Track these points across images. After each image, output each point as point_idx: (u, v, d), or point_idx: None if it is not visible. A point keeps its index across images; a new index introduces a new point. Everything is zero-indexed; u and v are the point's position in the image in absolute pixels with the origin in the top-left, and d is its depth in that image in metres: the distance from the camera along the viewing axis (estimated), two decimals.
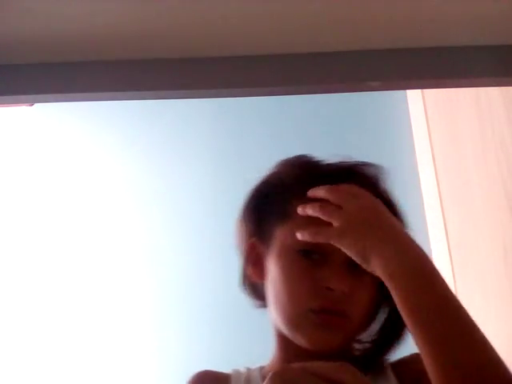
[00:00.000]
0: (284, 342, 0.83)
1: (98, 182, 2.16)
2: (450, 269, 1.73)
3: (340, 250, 0.77)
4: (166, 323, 1.96)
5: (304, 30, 0.86)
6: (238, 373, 0.86)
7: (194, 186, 2.03)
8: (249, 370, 0.87)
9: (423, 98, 1.88)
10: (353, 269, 0.78)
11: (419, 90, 1.85)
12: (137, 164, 2.15)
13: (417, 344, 0.71)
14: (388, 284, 0.72)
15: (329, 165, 0.90)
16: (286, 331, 0.81)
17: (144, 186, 2.11)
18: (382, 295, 0.81)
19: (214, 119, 2.08)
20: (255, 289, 0.88)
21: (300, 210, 0.79)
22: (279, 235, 0.83)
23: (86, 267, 2.08)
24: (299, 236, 0.79)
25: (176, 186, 2.07)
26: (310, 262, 0.80)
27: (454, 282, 1.71)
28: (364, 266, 0.75)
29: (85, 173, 2.18)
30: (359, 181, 0.85)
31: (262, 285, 0.86)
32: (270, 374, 0.56)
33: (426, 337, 0.69)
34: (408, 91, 1.92)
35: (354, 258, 0.74)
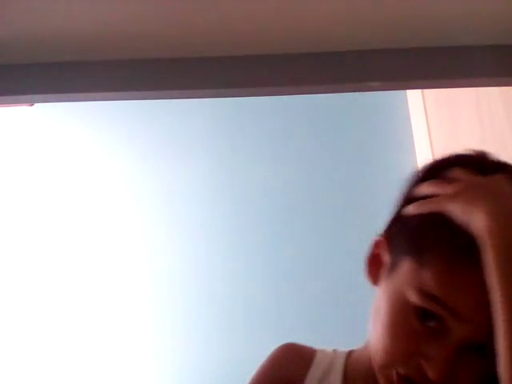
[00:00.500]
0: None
1: (97, 181, 2.16)
2: None
3: (462, 329, 0.67)
4: (164, 322, 1.96)
5: (304, 30, 0.86)
6: (323, 353, 0.82)
7: (193, 186, 2.03)
8: (335, 352, 0.82)
9: (423, 97, 1.88)
10: (468, 353, 0.68)
11: (419, 90, 1.85)
12: (136, 164, 2.15)
13: (499, 315, 0.63)
14: (484, 241, 0.64)
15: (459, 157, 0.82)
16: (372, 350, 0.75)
17: (144, 186, 2.11)
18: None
19: (214, 119, 2.08)
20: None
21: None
22: (402, 269, 0.72)
23: (86, 266, 2.08)
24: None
25: (176, 186, 2.07)
26: (422, 328, 0.69)
27: None
28: (466, 224, 0.66)
29: (84, 173, 2.18)
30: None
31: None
32: None
33: None
34: (408, 91, 1.92)
35: (460, 218, 0.66)
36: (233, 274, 1.85)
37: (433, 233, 0.70)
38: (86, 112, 2.18)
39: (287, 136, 1.94)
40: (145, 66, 0.88)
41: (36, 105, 2.11)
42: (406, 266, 0.71)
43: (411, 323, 0.69)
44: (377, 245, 0.79)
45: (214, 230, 1.90)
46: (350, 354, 0.82)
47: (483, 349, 0.67)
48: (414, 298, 0.69)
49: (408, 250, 0.72)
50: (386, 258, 0.76)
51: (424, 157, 1.89)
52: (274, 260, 1.85)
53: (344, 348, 0.84)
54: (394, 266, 0.74)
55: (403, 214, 0.79)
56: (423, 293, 0.68)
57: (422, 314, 0.69)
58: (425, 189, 0.75)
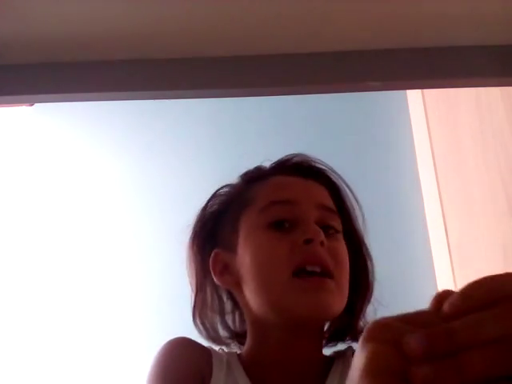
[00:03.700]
0: (263, 332, 0.79)
1: (97, 181, 2.16)
2: (449, 269, 1.74)
3: (310, 211, 0.79)
4: (164, 323, 1.96)
5: (304, 30, 0.86)
6: (217, 351, 0.83)
7: (193, 187, 2.03)
8: (224, 352, 0.84)
9: (423, 97, 1.88)
10: (324, 230, 0.79)
11: (419, 90, 1.85)
12: (136, 164, 2.15)
13: None
14: None
15: (274, 162, 0.93)
16: (273, 310, 0.77)
17: (143, 186, 2.11)
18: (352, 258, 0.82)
19: (214, 119, 2.08)
20: (211, 321, 0.87)
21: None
22: (243, 223, 0.82)
23: (84, 266, 2.08)
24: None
25: (176, 186, 2.07)
26: (282, 231, 0.79)
27: (454, 281, 1.71)
28: None
29: (84, 173, 2.19)
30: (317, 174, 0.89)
31: (222, 314, 0.86)
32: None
33: None
34: (408, 91, 1.92)
35: None
36: None
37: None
38: (85, 112, 2.18)
39: (287, 136, 1.94)
40: (145, 66, 0.88)
41: (36, 105, 2.11)
42: (244, 220, 0.82)
43: (274, 235, 0.78)
44: (215, 257, 0.86)
45: None
46: (239, 354, 0.83)
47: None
48: (263, 220, 0.79)
49: (238, 214, 0.83)
50: (225, 252, 0.84)
51: (424, 157, 1.90)
52: None
53: None
54: (236, 240, 0.82)
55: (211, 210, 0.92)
56: (266, 207, 0.80)
57: (276, 225, 0.79)
58: None
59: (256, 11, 0.81)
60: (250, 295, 0.79)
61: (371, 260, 0.89)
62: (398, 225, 1.92)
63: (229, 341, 0.86)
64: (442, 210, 1.79)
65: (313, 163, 0.92)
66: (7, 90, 0.88)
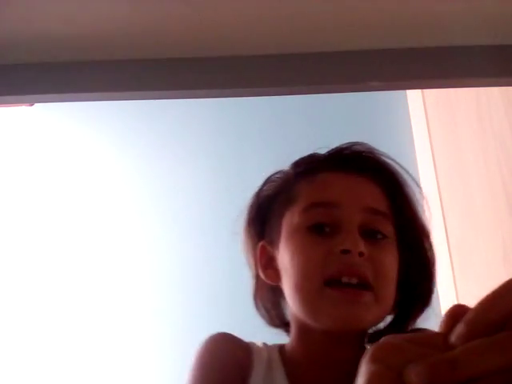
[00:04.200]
0: (304, 331, 0.77)
1: (97, 181, 2.16)
2: (450, 269, 1.73)
3: (353, 216, 0.75)
4: (164, 323, 1.96)
5: (304, 30, 0.86)
6: (257, 347, 0.81)
7: (194, 187, 2.03)
8: (267, 346, 0.82)
9: (423, 98, 1.88)
10: (369, 235, 0.75)
11: (419, 90, 1.85)
12: (137, 164, 2.15)
13: None
14: None
15: (332, 149, 0.87)
16: (305, 316, 0.75)
17: (143, 186, 2.11)
18: (405, 266, 0.77)
19: (214, 119, 2.08)
20: (268, 307, 0.84)
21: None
22: (286, 221, 0.79)
23: (85, 266, 2.08)
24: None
25: (175, 186, 2.07)
26: (322, 235, 0.75)
27: (454, 281, 1.71)
28: None
29: (84, 173, 2.19)
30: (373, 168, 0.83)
31: (277, 302, 0.83)
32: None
33: None
34: (408, 91, 1.92)
35: None
36: (234, 274, 1.85)
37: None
38: (86, 112, 2.18)
39: (287, 136, 1.94)
40: (145, 65, 0.88)
41: (36, 105, 2.11)
42: (286, 218, 0.79)
43: (312, 239, 0.75)
44: (262, 250, 0.84)
45: (215, 229, 1.90)
46: (281, 348, 0.81)
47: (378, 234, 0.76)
48: (304, 222, 0.76)
49: (282, 210, 0.80)
50: (272, 247, 0.81)
51: (424, 157, 1.90)
52: None
53: None
54: (279, 236, 0.79)
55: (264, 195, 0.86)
56: (307, 208, 0.77)
57: (316, 229, 0.75)
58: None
59: (256, 11, 0.81)
60: (288, 296, 0.78)
61: (433, 263, 0.85)
62: None
63: (282, 328, 0.84)
64: (442, 210, 1.79)
65: (371, 156, 0.86)
66: (7, 90, 0.88)
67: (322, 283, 0.72)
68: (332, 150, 0.87)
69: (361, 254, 0.72)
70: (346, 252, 0.72)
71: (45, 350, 2.02)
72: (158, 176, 2.11)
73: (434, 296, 0.82)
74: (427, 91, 1.84)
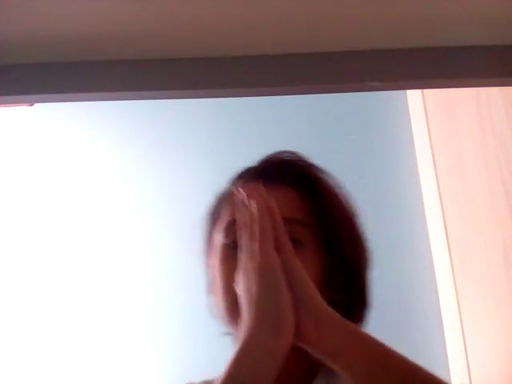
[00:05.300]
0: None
1: (97, 181, 2.16)
2: (450, 269, 1.74)
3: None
4: (163, 325, 1.96)
5: (304, 30, 0.86)
6: None
7: (193, 187, 2.03)
8: (206, 382, 0.85)
9: (423, 98, 1.88)
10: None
11: (419, 90, 1.85)
12: (137, 164, 2.15)
13: None
14: None
15: (261, 161, 0.90)
16: (228, 324, 0.79)
17: (143, 186, 2.11)
18: (330, 269, 0.79)
19: (214, 119, 2.08)
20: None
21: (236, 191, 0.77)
22: (213, 237, 0.85)
23: (85, 266, 2.08)
24: None
25: (175, 186, 2.07)
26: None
27: (454, 281, 1.71)
28: None
29: (84, 173, 2.18)
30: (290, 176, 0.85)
31: None
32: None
33: None
34: (408, 91, 1.92)
35: None
36: None
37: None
38: (86, 112, 2.18)
39: (287, 136, 1.94)
40: (145, 66, 0.88)
41: (36, 105, 2.11)
42: (214, 235, 0.84)
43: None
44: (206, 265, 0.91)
45: None
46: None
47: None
48: (223, 240, 0.80)
49: (212, 227, 0.87)
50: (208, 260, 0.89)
51: (424, 157, 1.90)
52: None
53: None
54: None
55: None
56: (226, 226, 0.80)
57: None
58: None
59: (256, 11, 0.81)
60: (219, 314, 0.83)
61: (359, 264, 0.85)
62: (398, 224, 1.92)
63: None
64: (442, 210, 1.79)
65: (290, 163, 0.88)
66: (7, 90, 0.88)
67: (234, 300, 0.73)
68: (253, 166, 0.91)
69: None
70: None
71: (44, 350, 2.02)
72: (157, 176, 2.11)
73: (368, 296, 0.84)
74: (427, 91, 1.84)
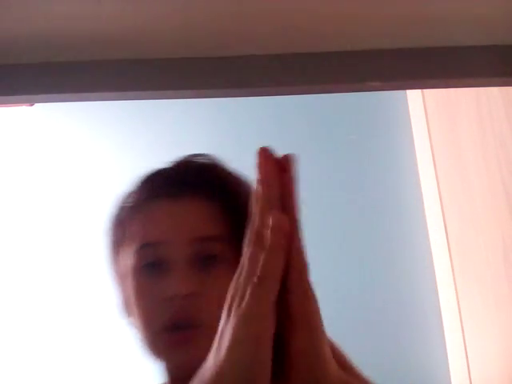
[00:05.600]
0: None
1: (97, 181, 2.16)
2: (450, 269, 1.74)
3: (180, 252, 0.71)
4: None
5: (304, 30, 0.86)
6: None
7: None
8: None
9: (423, 97, 1.88)
10: (201, 266, 0.71)
11: (419, 90, 1.85)
12: (136, 164, 2.14)
13: None
14: None
15: (174, 165, 0.84)
16: (151, 356, 0.74)
17: None
18: None
19: (214, 119, 2.08)
20: None
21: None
22: (121, 259, 0.77)
23: (84, 266, 2.08)
24: None
25: None
26: (154, 277, 0.72)
27: (454, 281, 1.71)
28: None
29: (84, 173, 2.18)
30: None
31: None
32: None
33: None
34: (408, 91, 1.92)
35: None
36: None
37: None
38: (86, 112, 2.18)
39: (286, 136, 1.94)
40: (145, 66, 0.88)
41: (36, 105, 2.11)
42: (121, 256, 0.76)
43: (145, 281, 0.72)
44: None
45: None
46: None
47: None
48: (136, 262, 0.72)
49: (117, 247, 0.79)
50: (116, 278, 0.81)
51: (424, 157, 1.90)
52: None
53: None
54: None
55: None
56: (137, 250, 0.73)
57: (148, 268, 0.72)
58: None
59: (255, 11, 0.81)
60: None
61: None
62: (398, 224, 1.92)
63: None
64: (442, 210, 1.79)
65: (202, 169, 0.82)
66: (7, 90, 0.88)
67: (158, 331, 0.71)
68: (162, 169, 0.83)
69: (187, 296, 0.69)
70: (172, 298, 0.70)
71: (44, 350, 2.02)
72: None
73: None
74: (427, 91, 1.84)
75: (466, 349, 1.66)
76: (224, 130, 2.09)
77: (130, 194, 0.83)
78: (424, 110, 1.88)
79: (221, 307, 0.64)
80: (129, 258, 0.76)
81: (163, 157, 2.17)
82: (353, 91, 0.98)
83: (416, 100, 1.92)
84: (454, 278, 1.71)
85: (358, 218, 1.93)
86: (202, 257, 0.72)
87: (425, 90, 1.85)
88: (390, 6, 0.82)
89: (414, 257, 1.90)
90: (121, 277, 0.79)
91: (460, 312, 1.67)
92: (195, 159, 0.85)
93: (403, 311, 1.84)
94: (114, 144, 2.18)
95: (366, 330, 1.80)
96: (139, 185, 0.84)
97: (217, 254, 0.72)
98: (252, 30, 0.85)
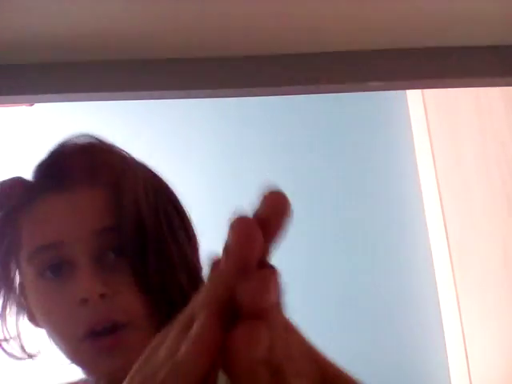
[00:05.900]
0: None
1: None
2: (450, 269, 1.74)
3: (80, 250, 0.63)
4: None
5: (304, 30, 0.86)
6: None
7: (193, 187, 2.03)
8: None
9: (423, 97, 1.88)
10: (104, 263, 0.63)
11: (419, 90, 1.86)
12: None
13: None
14: None
15: (54, 152, 0.75)
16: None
17: None
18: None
19: (214, 119, 2.08)
20: None
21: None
22: (21, 267, 0.67)
23: None
24: None
25: (175, 186, 2.07)
26: (59, 280, 0.63)
27: (454, 282, 1.72)
28: None
29: None
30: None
31: None
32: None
33: None
34: (408, 91, 1.92)
35: None
36: None
37: None
38: (86, 112, 2.18)
39: (287, 136, 1.94)
40: (145, 66, 0.88)
41: (36, 105, 2.11)
42: (21, 264, 0.66)
43: (51, 288, 0.63)
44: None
45: (214, 229, 1.89)
46: None
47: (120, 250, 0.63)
48: (38, 267, 0.64)
49: (12, 252, 0.68)
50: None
51: (424, 157, 1.90)
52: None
53: None
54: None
55: None
56: (32, 255, 0.64)
57: (53, 272, 0.64)
58: None
59: (256, 11, 0.81)
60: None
61: (174, 257, 0.69)
62: (398, 225, 1.92)
63: None
64: (442, 210, 1.79)
65: (84, 152, 0.72)
66: (7, 90, 0.88)
67: (78, 339, 0.62)
68: (38, 163, 0.74)
69: (102, 296, 0.61)
70: (84, 300, 0.61)
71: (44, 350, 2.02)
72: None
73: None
74: (427, 91, 1.84)
75: (466, 349, 1.66)
76: (224, 130, 2.08)
77: (5, 196, 0.71)
78: (424, 109, 1.88)
79: (135, 305, 0.62)
80: (26, 266, 0.66)
81: (163, 157, 2.18)
82: (353, 91, 0.98)
83: (416, 100, 1.92)
84: (454, 279, 1.71)
85: (358, 218, 1.93)
86: (101, 252, 0.63)
87: (425, 90, 1.85)
88: (389, 6, 0.82)
89: (414, 257, 1.90)
90: (20, 286, 0.69)
91: (460, 312, 1.67)
92: (70, 143, 0.75)
93: (403, 311, 1.84)
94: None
95: (366, 330, 1.80)
96: (16, 184, 0.73)
97: (113, 248, 0.64)
98: (252, 30, 0.85)
